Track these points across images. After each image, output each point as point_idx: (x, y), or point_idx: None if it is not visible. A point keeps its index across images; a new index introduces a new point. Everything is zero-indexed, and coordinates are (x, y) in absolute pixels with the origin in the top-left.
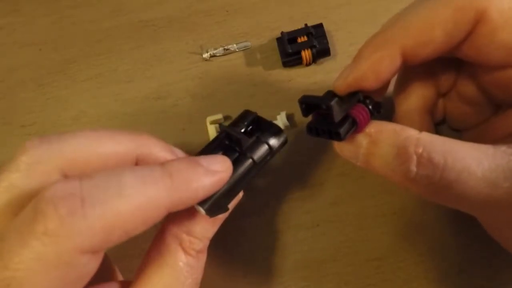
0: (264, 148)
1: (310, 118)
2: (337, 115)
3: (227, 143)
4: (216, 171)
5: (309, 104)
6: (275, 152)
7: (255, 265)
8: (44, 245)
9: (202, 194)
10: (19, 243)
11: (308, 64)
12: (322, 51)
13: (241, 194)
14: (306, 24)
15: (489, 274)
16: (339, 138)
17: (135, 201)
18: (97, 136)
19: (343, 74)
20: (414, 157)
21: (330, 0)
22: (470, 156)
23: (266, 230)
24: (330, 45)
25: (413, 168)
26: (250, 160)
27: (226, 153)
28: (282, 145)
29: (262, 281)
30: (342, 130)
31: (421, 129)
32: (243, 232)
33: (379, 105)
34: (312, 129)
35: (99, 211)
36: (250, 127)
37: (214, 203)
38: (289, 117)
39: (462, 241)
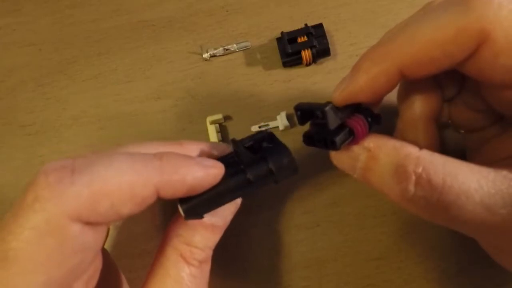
0: (263, 170)
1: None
2: (332, 122)
3: (231, 158)
4: (207, 165)
5: (304, 110)
6: (279, 179)
7: (255, 265)
8: (35, 211)
9: (191, 182)
10: (14, 214)
11: (308, 64)
12: (322, 51)
13: (239, 201)
14: (306, 24)
15: (489, 274)
16: (334, 147)
17: (123, 174)
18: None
19: (340, 86)
20: (413, 177)
21: (330, 0)
22: (470, 180)
23: (266, 230)
24: (330, 45)
25: (411, 188)
26: (245, 176)
27: (227, 165)
28: (288, 173)
29: (262, 281)
30: (338, 139)
31: (426, 137)
32: (243, 232)
33: (378, 117)
34: (308, 138)
35: (86, 178)
36: (264, 143)
37: (193, 206)
38: (289, 117)
39: (461, 241)
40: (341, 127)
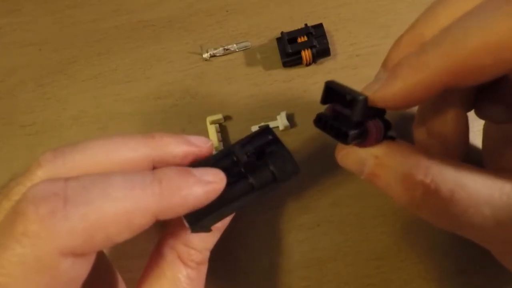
0: (268, 176)
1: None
2: (358, 114)
3: (230, 159)
4: (209, 181)
5: (334, 91)
6: (281, 183)
7: (256, 265)
8: (23, 247)
9: (192, 202)
10: (0, 246)
11: (308, 64)
12: (322, 51)
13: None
14: (306, 24)
15: (489, 274)
16: (345, 139)
17: (121, 204)
18: (110, 144)
19: (371, 87)
20: (421, 187)
21: (330, 0)
22: (481, 193)
23: (267, 230)
24: (330, 45)
25: (419, 197)
26: (249, 185)
27: (227, 171)
28: (290, 176)
29: (262, 281)
30: (351, 133)
31: (456, 127)
32: (244, 232)
33: (389, 126)
34: (321, 120)
35: (81, 211)
36: (265, 147)
37: (199, 219)
38: (289, 117)
39: (462, 241)
40: (360, 124)
